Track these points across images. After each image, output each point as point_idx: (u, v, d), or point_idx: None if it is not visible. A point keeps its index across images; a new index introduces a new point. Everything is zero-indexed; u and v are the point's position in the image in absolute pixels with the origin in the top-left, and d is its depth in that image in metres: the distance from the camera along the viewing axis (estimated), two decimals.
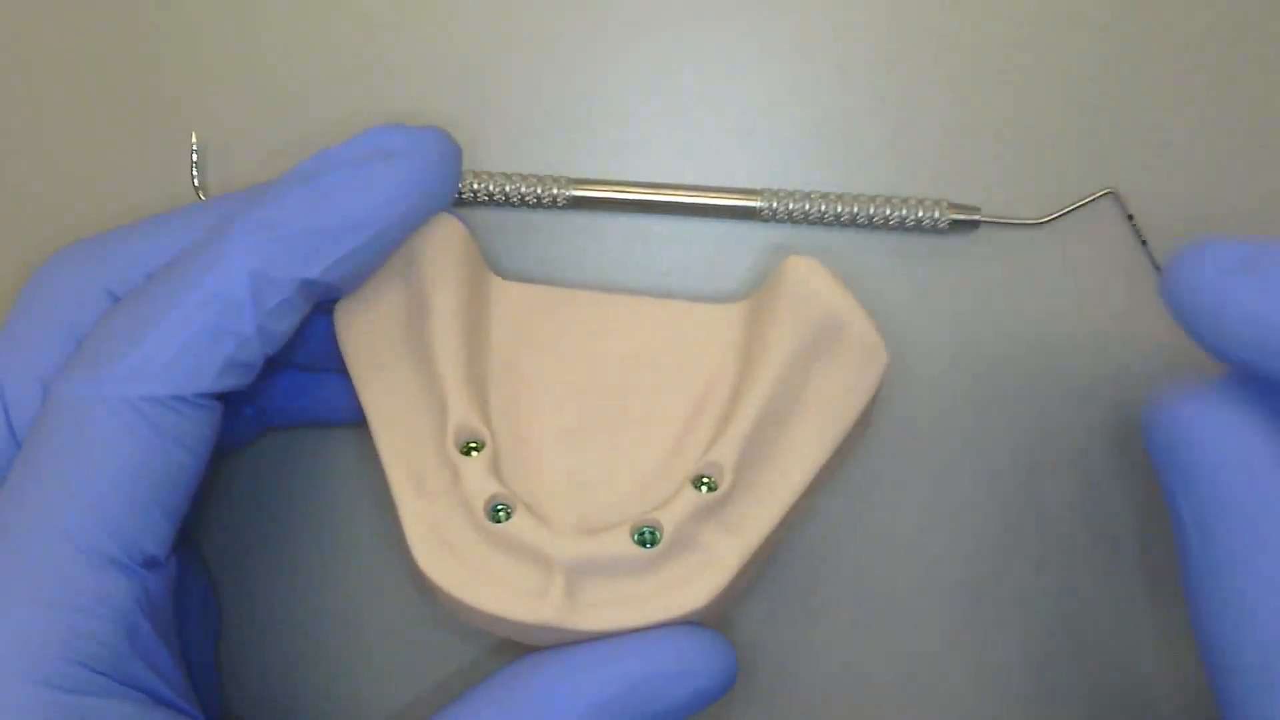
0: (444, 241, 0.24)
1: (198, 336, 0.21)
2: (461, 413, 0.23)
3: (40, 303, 0.23)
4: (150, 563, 0.21)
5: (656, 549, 0.22)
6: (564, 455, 0.24)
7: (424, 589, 0.24)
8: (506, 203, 0.27)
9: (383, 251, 0.23)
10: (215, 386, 0.22)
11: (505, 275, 0.27)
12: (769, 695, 0.27)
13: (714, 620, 0.23)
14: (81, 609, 0.20)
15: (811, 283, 0.24)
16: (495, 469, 0.23)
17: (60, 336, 0.22)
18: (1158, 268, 0.27)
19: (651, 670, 0.21)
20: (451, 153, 0.23)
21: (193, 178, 0.27)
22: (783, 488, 0.23)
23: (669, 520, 0.22)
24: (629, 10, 0.27)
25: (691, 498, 0.23)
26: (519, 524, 0.22)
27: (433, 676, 0.27)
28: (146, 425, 0.21)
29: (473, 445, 0.23)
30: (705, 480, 0.23)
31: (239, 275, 0.21)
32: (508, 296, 0.25)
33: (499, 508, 0.23)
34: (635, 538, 0.22)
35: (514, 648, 0.27)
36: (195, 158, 0.27)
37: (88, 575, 0.20)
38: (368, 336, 0.24)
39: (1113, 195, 0.27)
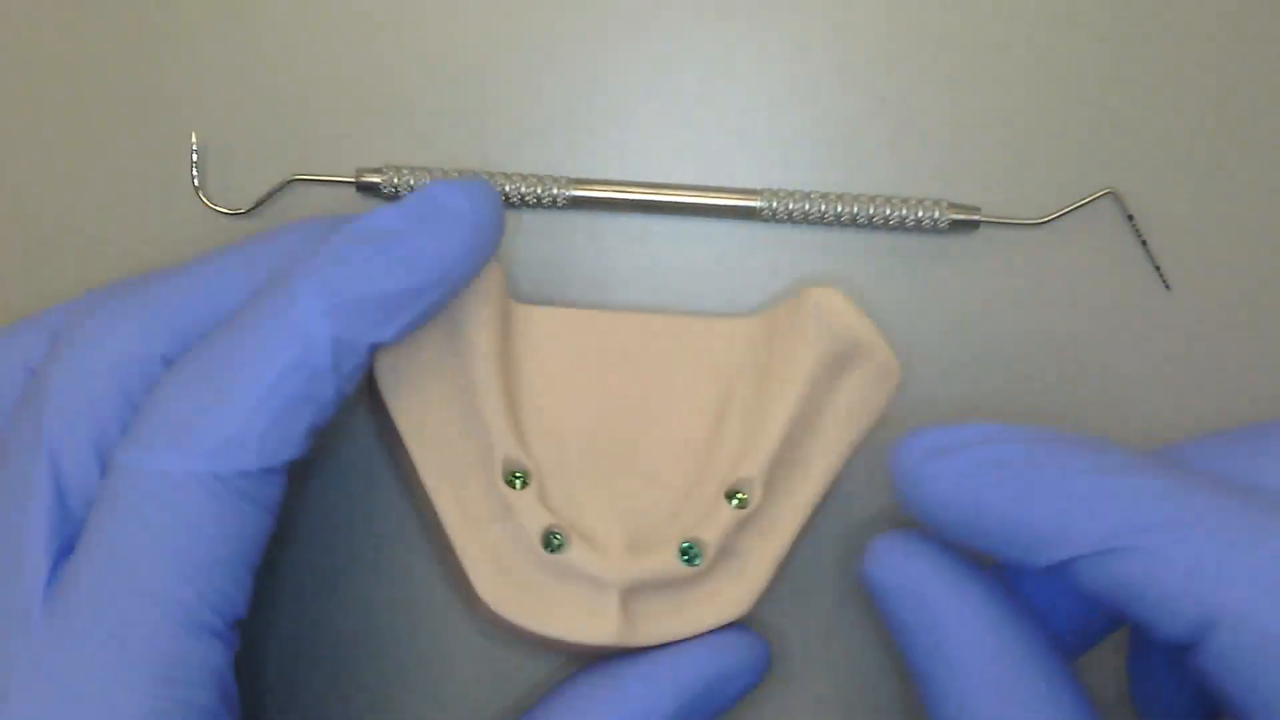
0: (483, 287, 0.24)
1: (287, 407, 0.21)
2: (507, 447, 0.24)
3: (91, 364, 0.22)
4: (239, 623, 0.21)
5: (701, 564, 0.24)
6: (601, 477, 0.25)
7: (478, 613, 0.25)
8: (506, 203, 0.27)
9: (440, 307, 0.23)
10: (298, 454, 0.21)
11: (507, 274, 0.27)
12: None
13: (748, 612, 0.25)
14: (193, 684, 0.20)
15: (832, 311, 0.24)
16: (544, 498, 0.24)
17: (116, 403, 0.22)
18: (1158, 268, 0.27)
19: (707, 677, 0.23)
20: (499, 208, 0.23)
21: (193, 178, 0.27)
22: (806, 492, 0.25)
23: (711, 538, 0.24)
24: (629, 10, 0.27)
25: (729, 515, 0.24)
26: (575, 554, 0.24)
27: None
28: (237, 496, 0.21)
29: (517, 475, 0.24)
30: (738, 495, 0.24)
31: (323, 343, 0.21)
32: (531, 322, 0.26)
33: (554, 537, 0.24)
34: (682, 556, 0.24)
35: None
36: (195, 158, 0.27)
37: (194, 649, 0.20)
38: (407, 375, 0.24)
39: (1113, 195, 0.27)
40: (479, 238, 0.22)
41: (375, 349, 0.22)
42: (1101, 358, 0.27)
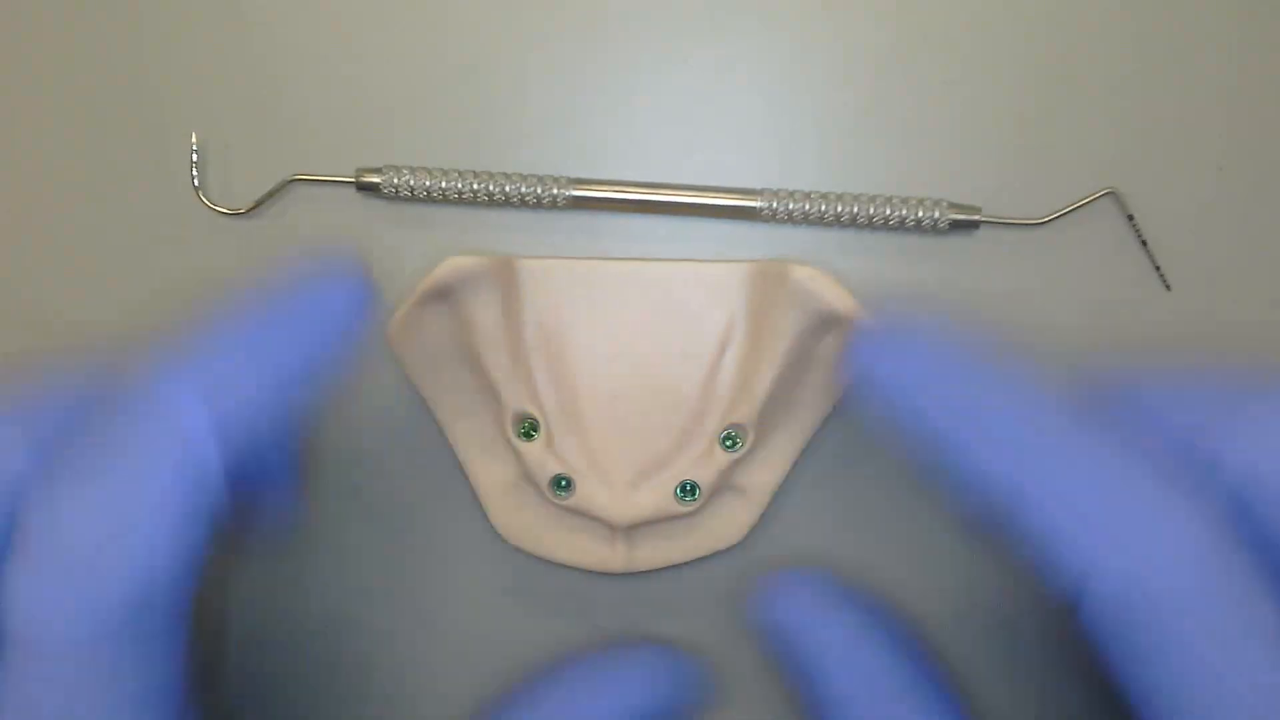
0: (473, 274, 0.26)
1: (181, 527, 0.18)
2: (514, 402, 0.26)
3: None
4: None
5: (697, 501, 0.26)
6: (608, 421, 0.27)
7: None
8: (506, 203, 0.27)
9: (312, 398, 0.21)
10: (202, 564, 0.19)
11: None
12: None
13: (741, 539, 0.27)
14: None
15: (814, 292, 0.25)
16: (551, 447, 0.26)
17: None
18: (1158, 268, 0.27)
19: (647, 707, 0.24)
20: (366, 281, 0.21)
21: (192, 178, 0.27)
22: (797, 433, 0.27)
23: (705, 478, 0.26)
24: (629, 10, 0.27)
25: (722, 458, 0.26)
26: (581, 497, 0.26)
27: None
28: (155, 627, 0.18)
29: (529, 425, 0.26)
30: (731, 438, 0.26)
31: (207, 443, 0.19)
32: (533, 273, 0.27)
33: (561, 482, 0.26)
34: (678, 494, 0.26)
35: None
36: (195, 158, 0.27)
37: None
38: (421, 347, 0.27)
39: (1113, 195, 0.27)
40: (350, 322, 0.21)
41: (261, 433, 0.20)
42: (1101, 358, 0.27)
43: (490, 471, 0.27)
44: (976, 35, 0.27)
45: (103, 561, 0.18)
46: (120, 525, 0.18)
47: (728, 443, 0.26)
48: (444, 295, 0.26)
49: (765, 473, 0.27)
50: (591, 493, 0.26)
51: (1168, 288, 0.27)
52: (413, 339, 0.27)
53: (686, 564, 0.27)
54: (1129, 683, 0.19)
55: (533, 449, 0.26)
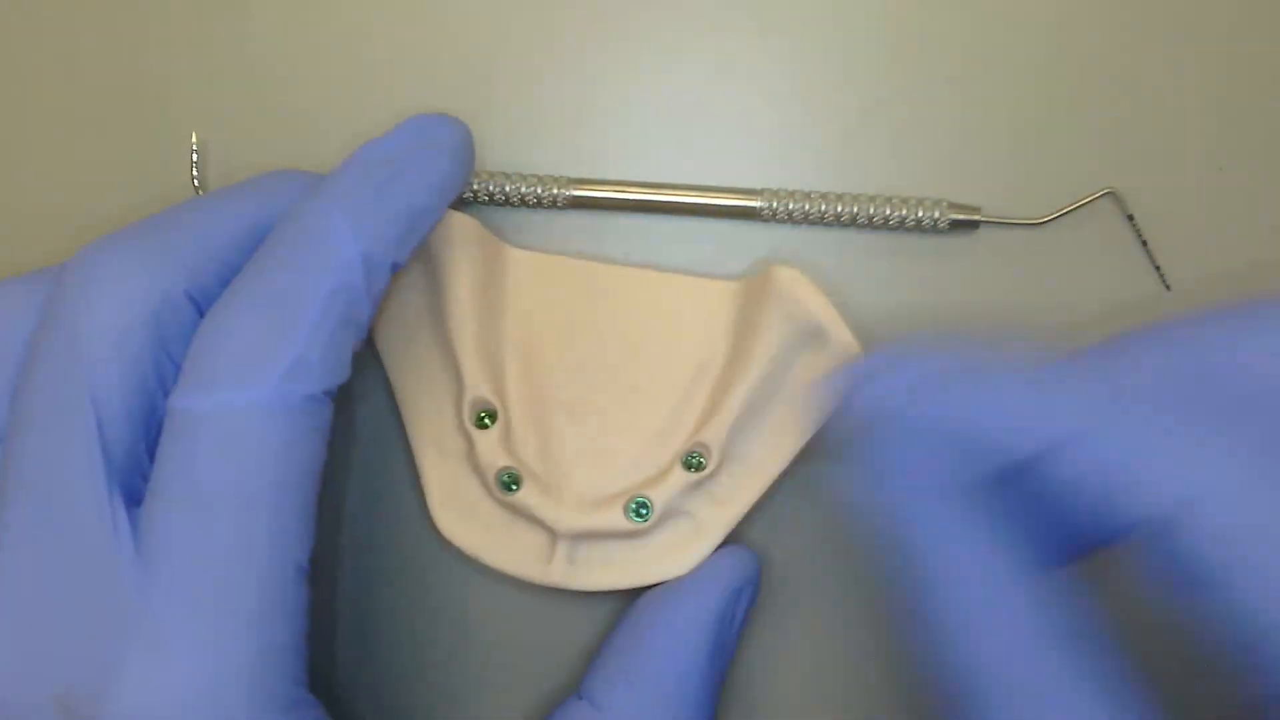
0: (458, 232, 0.25)
1: (336, 330, 0.21)
2: (476, 387, 0.25)
3: (122, 310, 0.21)
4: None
5: (648, 521, 0.25)
6: (570, 425, 0.26)
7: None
8: (506, 203, 0.27)
9: (434, 227, 0.24)
10: (346, 376, 0.22)
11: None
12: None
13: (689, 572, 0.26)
14: (290, 619, 0.21)
15: (796, 295, 0.25)
16: (506, 440, 0.25)
17: (152, 347, 0.21)
18: (1158, 268, 0.27)
19: (727, 598, 0.25)
20: (471, 140, 0.24)
21: (193, 178, 0.27)
22: (765, 467, 0.25)
23: (659, 497, 0.25)
24: (629, 10, 0.27)
25: (681, 478, 0.25)
26: (526, 496, 0.25)
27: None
28: (304, 422, 0.21)
29: (487, 415, 0.25)
30: (695, 459, 0.25)
31: (356, 265, 0.22)
32: (522, 265, 0.26)
33: (509, 479, 0.25)
34: (630, 510, 0.25)
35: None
36: (195, 158, 0.27)
37: (289, 585, 0.21)
38: (392, 314, 0.26)
39: (1113, 195, 0.27)
40: (463, 158, 0.24)
41: (394, 270, 0.23)
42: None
43: (439, 460, 0.26)
44: (976, 36, 0.27)
45: (264, 347, 0.21)
46: (281, 320, 0.21)
47: (690, 465, 0.25)
48: (424, 255, 0.25)
49: (725, 506, 0.25)
50: (539, 494, 0.25)
51: (1167, 288, 0.27)
52: (386, 304, 0.26)
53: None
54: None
55: (486, 438, 0.25)
